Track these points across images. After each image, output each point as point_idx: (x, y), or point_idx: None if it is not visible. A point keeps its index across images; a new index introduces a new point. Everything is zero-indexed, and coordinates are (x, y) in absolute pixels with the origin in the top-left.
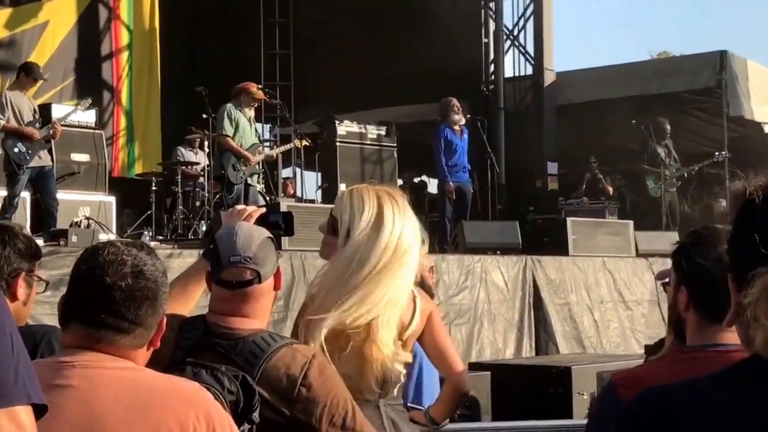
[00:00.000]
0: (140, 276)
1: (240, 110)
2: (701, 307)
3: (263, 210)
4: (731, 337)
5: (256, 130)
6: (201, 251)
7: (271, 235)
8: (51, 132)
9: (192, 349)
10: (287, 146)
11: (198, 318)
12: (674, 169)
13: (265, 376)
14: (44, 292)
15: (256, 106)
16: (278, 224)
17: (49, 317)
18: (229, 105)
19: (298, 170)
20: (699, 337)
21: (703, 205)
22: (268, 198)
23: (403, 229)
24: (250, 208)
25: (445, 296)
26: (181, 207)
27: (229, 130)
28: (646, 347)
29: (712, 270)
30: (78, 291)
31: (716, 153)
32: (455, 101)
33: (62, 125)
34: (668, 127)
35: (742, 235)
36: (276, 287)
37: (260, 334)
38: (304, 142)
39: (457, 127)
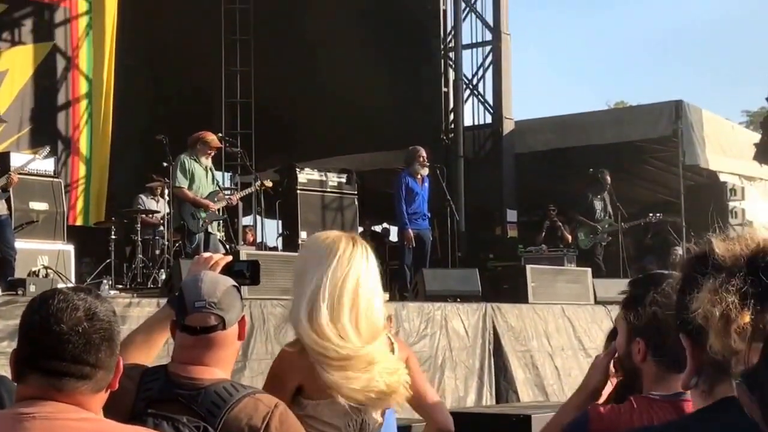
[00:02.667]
0: (95, 318)
1: (195, 160)
2: (660, 355)
3: (230, 258)
4: None
5: (214, 177)
6: (160, 300)
7: (237, 284)
8: (7, 181)
9: (153, 400)
10: (249, 190)
11: (160, 368)
12: (606, 224)
13: (226, 427)
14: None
15: (212, 154)
16: (243, 273)
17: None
18: (183, 156)
19: (258, 218)
20: (660, 387)
21: (658, 253)
22: (228, 246)
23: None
24: (217, 256)
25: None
26: (140, 255)
27: (183, 182)
28: None
29: (668, 318)
30: (33, 342)
31: (650, 214)
32: (423, 153)
33: (21, 174)
34: (608, 178)
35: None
36: (240, 337)
37: (222, 383)
38: (267, 182)
39: (418, 176)
